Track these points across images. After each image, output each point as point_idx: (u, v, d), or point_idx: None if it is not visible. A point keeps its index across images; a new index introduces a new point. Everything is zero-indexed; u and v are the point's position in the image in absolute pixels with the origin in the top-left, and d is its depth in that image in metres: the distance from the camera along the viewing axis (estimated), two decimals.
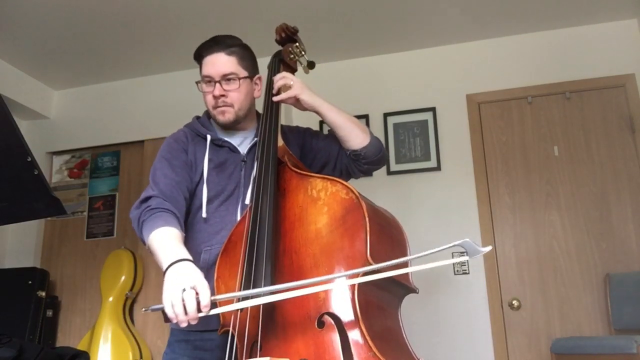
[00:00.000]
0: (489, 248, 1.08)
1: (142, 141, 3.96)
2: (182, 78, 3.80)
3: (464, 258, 1.11)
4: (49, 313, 3.63)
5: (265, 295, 1.19)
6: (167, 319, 1.19)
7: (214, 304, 1.22)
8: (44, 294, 3.53)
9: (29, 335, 3.36)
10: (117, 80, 4.10)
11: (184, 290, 1.18)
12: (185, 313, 1.17)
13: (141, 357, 3.37)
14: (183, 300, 1.17)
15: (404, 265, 1.30)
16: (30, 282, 3.50)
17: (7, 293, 3.47)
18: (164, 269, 1.28)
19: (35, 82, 4.03)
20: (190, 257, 1.31)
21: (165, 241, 1.37)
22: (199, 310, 1.18)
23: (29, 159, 1.43)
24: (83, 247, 3.95)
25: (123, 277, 3.55)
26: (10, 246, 3.94)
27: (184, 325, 1.19)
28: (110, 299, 3.50)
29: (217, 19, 3.30)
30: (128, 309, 3.59)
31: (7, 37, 3.43)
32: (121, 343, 3.36)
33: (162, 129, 3.50)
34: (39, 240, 4.00)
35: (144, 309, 1.24)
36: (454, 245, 1.07)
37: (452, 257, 3.35)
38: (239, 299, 1.25)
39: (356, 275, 1.19)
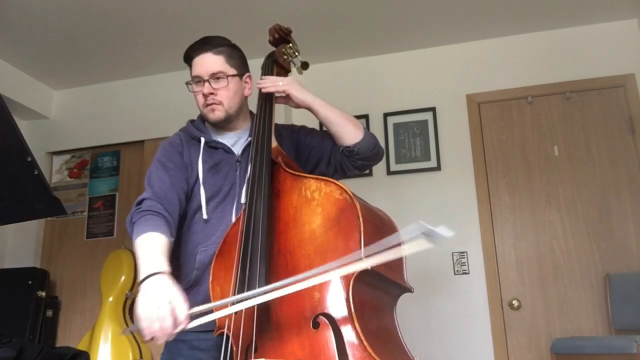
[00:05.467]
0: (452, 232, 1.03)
1: (142, 141, 3.96)
2: (182, 78, 3.73)
3: (428, 245, 1.07)
4: (49, 313, 3.63)
5: (258, 296, 1.19)
6: (146, 337, 1.20)
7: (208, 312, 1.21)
8: (44, 294, 3.54)
9: (29, 335, 3.36)
10: (117, 80, 4.10)
11: (159, 308, 1.18)
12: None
13: (141, 357, 3.36)
14: (159, 319, 1.18)
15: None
16: (30, 282, 3.51)
17: (7, 293, 3.48)
18: (140, 280, 1.27)
19: (35, 82, 4.03)
20: (167, 269, 1.29)
21: (146, 249, 1.36)
22: (176, 326, 1.19)
23: (29, 159, 1.43)
24: (83, 247, 3.95)
25: (123, 277, 3.55)
26: (10, 246, 3.94)
27: (161, 342, 1.20)
28: (110, 299, 3.50)
29: (216, 18, 3.30)
30: (128, 309, 3.59)
31: (7, 37, 3.43)
32: (121, 343, 3.35)
33: (162, 129, 3.50)
34: (39, 240, 4.00)
35: (121, 331, 1.25)
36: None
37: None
38: (234, 303, 1.25)
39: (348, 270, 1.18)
